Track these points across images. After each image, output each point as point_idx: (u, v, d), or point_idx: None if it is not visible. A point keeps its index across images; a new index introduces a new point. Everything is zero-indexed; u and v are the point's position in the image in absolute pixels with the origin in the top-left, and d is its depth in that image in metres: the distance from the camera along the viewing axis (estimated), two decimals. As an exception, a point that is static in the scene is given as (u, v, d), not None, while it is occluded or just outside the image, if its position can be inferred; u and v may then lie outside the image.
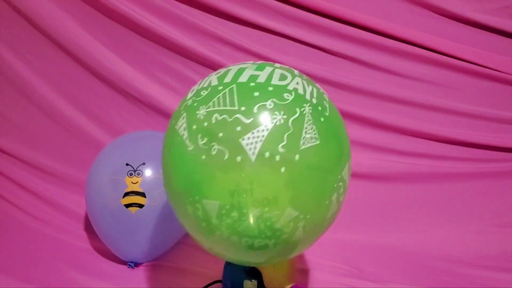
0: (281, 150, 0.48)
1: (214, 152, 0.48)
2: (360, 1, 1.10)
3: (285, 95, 0.51)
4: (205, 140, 0.50)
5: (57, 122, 1.15)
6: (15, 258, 0.89)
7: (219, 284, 0.77)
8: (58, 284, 0.80)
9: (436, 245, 0.96)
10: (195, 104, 0.54)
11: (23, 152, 1.17)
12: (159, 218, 0.84)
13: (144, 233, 0.83)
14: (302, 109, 0.51)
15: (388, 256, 0.95)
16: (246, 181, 0.48)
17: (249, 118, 0.49)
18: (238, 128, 0.48)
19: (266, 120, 0.49)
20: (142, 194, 0.81)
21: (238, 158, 0.47)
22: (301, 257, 0.89)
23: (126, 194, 0.81)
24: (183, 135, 0.53)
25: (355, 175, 1.12)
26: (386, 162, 1.12)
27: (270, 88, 0.52)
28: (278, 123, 0.49)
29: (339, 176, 0.54)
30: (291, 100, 0.51)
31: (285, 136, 0.48)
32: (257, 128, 0.48)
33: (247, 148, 0.47)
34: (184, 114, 0.54)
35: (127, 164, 0.82)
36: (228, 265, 0.71)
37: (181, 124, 0.54)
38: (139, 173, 0.82)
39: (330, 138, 0.53)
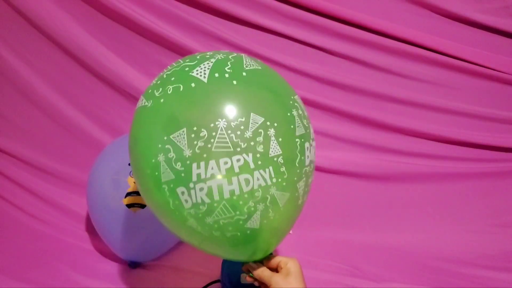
0: (228, 71, 0.53)
1: (170, 92, 0.53)
2: (360, 1, 1.10)
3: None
4: (160, 89, 0.54)
5: (57, 122, 1.15)
6: (15, 258, 0.89)
7: (219, 284, 0.77)
8: (59, 284, 0.80)
9: (436, 245, 0.96)
10: (148, 87, 0.59)
11: (23, 152, 1.17)
12: (160, 218, 0.84)
13: (145, 233, 0.84)
14: (239, 54, 0.59)
15: (388, 256, 0.95)
16: (205, 102, 0.51)
17: (194, 61, 0.55)
18: (186, 69, 0.54)
19: (209, 58, 0.55)
20: (144, 195, 0.81)
21: (192, 84, 0.52)
22: (301, 257, 0.89)
23: (128, 194, 0.81)
24: (142, 104, 0.56)
25: (355, 175, 1.13)
26: (386, 162, 1.12)
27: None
28: (219, 58, 0.55)
29: (293, 97, 0.58)
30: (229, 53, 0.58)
31: (229, 63, 0.54)
32: (202, 63, 0.54)
33: (198, 76, 0.53)
34: (141, 96, 0.59)
35: (129, 164, 0.82)
36: (226, 261, 0.71)
37: (139, 102, 0.58)
38: (141, 173, 0.82)
39: (268, 67, 0.60)
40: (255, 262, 0.60)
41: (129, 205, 0.81)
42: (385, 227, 1.06)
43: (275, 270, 0.59)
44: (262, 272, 0.58)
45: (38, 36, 1.09)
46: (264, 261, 0.60)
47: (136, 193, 0.81)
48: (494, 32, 1.12)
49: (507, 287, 0.82)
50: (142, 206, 0.81)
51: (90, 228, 1.00)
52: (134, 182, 0.81)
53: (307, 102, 1.07)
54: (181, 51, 1.10)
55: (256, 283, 0.61)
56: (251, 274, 0.60)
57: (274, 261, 0.59)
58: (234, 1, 1.07)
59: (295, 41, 1.12)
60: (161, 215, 0.57)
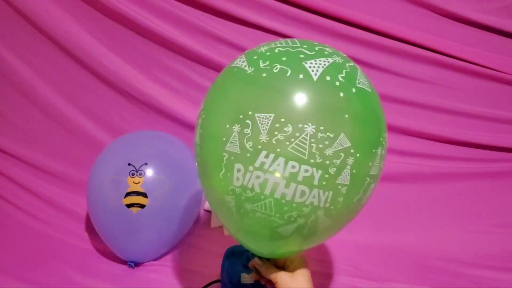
0: (340, 79, 0.49)
1: (276, 70, 0.49)
2: (360, 1, 1.10)
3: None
4: (267, 62, 0.50)
5: (57, 122, 1.15)
6: (15, 258, 0.89)
7: (219, 284, 0.77)
8: (58, 284, 0.80)
9: (436, 245, 0.96)
10: (252, 50, 0.55)
11: (23, 152, 1.17)
12: (160, 218, 0.84)
13: (145, 233, 0.84)
14: (355, 65, 0.55)
15: (388, 255, 0.95)
16: (305, 99, 0.48)
17: (311, 51, 0.51)
18: (301, 56, 0.50)
19: (327, 56, 0.51)
20: (144, 195, 0.81)
21: (301, 76, 0.48)
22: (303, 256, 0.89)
23: (128, 194, 0.81)
24: (241, 65, 0.52)
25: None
26: (386, 162, 1.11)
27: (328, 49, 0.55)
28: (337, 61, 0.51)
29: (384, 135, 0.55)
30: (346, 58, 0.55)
31: (344, 71, 0.50)
32: (319, 58, 0.50)
33: (309, 70, 0.48)
34: (242, 55, 0.54)
35: (129, 164, 0.82)
36: (226, 260, 0.71)
37: (238, 61, 0.54)
38: (141, 173, 0.82)
39: (376, 95, 0.56)
40: (261, 258, 0.59)
41: (129, 205, 0.80)
42: (385, 227, 1.06)
43: (281, 267, 0.58)
44: (268, 269, 0.57)
45: (38, 36, 1.10)
46: (271, 258, 0.59)
47: (136, 193, 0.81)
48: (494, 32, 1.12)
49: (507, 287, 0.82)
50: (142, 206, 0.81)
51: (90, 228, 1.00)
52: (134, 182, 0.81)
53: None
54: (181, 51, 1.10)
55: (262, 281, 0.60)
56: (257, 271, 0.59)
57: (281, 259, 0.58)
58: (234, 1, 1.08)
59: (295, 41, 1.12)
60: (206, 178, 0.55)
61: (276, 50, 0.52)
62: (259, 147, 0.47)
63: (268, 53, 0.52)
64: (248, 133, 0.47)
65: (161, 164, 0.85)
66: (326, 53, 0.52)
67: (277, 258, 0.58)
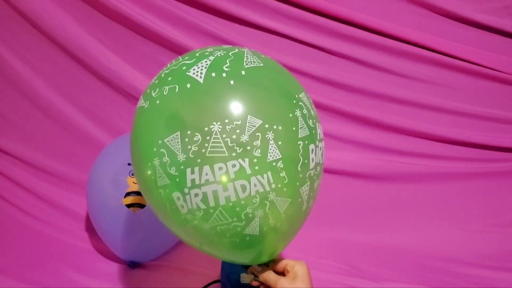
0: (225, 69, 0.50)
1: (166, 93, 0.50)
2: (360, 1, 1.10)
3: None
4: (157, 90, 0.52)
5: (57, 122, 1.15)
6: (15, 258, 0.89)
7: (219, 284, 0.77)
8: (59, 284, 0.80)
9: (436, 245, 0.96)
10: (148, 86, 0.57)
11: (23, 152, 1.17)
12: (160, 218, 0.84)
13: (145, 233, 0.84)
14: (241, 50, 0.55)
15: (388, 256, 0.95)
16: (199, 104, 0.49)
17: (192, 59, 0.52)
18: (184, 68, 0.51)
19: (208, 56, 0.52)
20: (144, 195, 0.81)
21: (188, 85, 0.49)
22: (301, 257, 0.89)
23: (128, 194, 0.81)
24: (141, 104, 0.55)
25: (355, 175, 1.13)
26: (386, 162, 1.12)
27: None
28: (219, 55, 0.52)
29: (299, 95, 0.55)
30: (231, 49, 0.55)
31: (228, 60, 0.51)
32: (200, 62, 0.51)
33: (194, 76, 0.50)
34: (141, 96, 0.57)
35: (129, 164, 0.82)
36: (225, 261, 0.71)
37: (139, 102, 0.56)
38: (141, 173, 0.82)
39: (272, 63, 0.56)
40: (260, 265, 0.59)
41: (129, 205, 0.81)
42: (385, 227, 1.06)
43: (282, 273, 0.58)
44: (268, 275, 0.57)
45: (38, 36, 1.09)
46: (270, 264, 0.59)
47: (136, 193, 0.81)
48: (494, 32, 1.11)
49: (507, 287, 0.82)
50: (142, 206, 0.81)
51: (90, 228, 1.00)
52: (134, 182, 0.81)
53: (307, 102, 1.07)
54: (181, 51, 1.10)
55: (261, 287, 0.60)
56: (256, 278, 0.58)
57: (281, 264, 0.58)
58: (234, 1, 1.07)
59: (295, 41, 1.12)
60: (160, 217, 0.56)
61: (163, 75, 0.54)
62: (182, 167, 0.47)
63: (157, 81, 0.54)
64: (167, 160, 0.48)
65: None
66: (207, 53, 0.53)
67: (276, 263, 0.58)
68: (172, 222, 0.53)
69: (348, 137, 1.13)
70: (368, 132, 1.13)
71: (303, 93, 0.57)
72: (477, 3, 1.09)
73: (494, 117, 1.15)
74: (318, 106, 1.12)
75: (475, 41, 1.12)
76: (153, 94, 0.52)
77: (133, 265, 0.86)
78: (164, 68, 0.56)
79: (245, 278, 0.66)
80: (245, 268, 0.66)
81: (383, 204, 1.11)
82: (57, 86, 1.13)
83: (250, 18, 1.08)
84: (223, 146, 0.47)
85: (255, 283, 0.60)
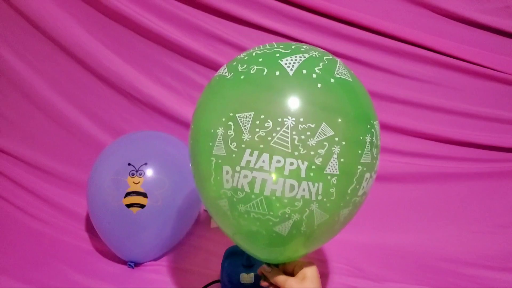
0: (317, 71, 0.50)
1: (253, 71, 0.51)
2: (360, 1, 1.10)
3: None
4: (245, 65, 0.52)
5: (57, 122, 1.15)
6: (15, 258, 0.89)
7: (219, 284, 0.77)
8: (58, 284, 0.80)
9: (436, 245, 0.96)
10: (234, 59, 0.57)
11: (23, 152, 1.17)
12: (160, 218, 0.84)
13: (145, 233, 0.84)
14: (334, 58, 0.56)
15: (388, 256, 0.95)
16: (281, 94, 0.49)
17: (287, 50, 0.53)
18: (277, 55, 0.52)
19: (303, 52, 0.52)
20: (144, 195, 0.81)
21: (277, 72, 0.49)
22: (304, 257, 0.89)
23: (128, 194, 0.81)
24: (222, 73, 0.55)
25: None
26: (386, 162, 1.12)
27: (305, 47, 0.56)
28: (314, 55, 0.52)
29: (373, 122, 0.54)
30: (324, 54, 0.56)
31: (321, 64, 0.51)
32: (295, 55, 0.51)
33: (285, 66, 0.50)
34: (224, 65, 0.57)
35: (129, 164, 0.82)
36: (226, 260, 0.71)
37: (220, 70, 0.57)
38: (141, 173, 0.82)
39: (359, 82, 0.57)
40: (269, 265, 0.59)
41: (129, 205, 0.81)
42: (385, 227, 1.06)
43: (291, 274, 0.57)
44: (276, 276, 0.56)
45: (39, 36, 1.10)
46: (280, 264, 0.58)
47: (136, 193, 0.81)
48: (494, 32, 1.12)
49: (507, 287, 0.82)
50: (142, 206, 0.81)
51: (90, 228, 1.00)
52: (134, 182, 0.81)
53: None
54: (181, 51, 1.10)
55: None
56: (264, 277, 0.59)
57: (290, 265, 0.58)
58: (234, 1, 1.08)
59: (295, 41, 1.12)
60: (200, 185, 0.56)
61: (254, 54, 0.54)
62: (243, 146, 0.48)
63: (246, 58, 0.54)
64: (231, 134, 0.49)
65: (161, 164, 0.85)
66: (303, 49, 0.53)
67: (286, 264, 0.58)
68: (210, 190, 0.53)
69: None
70: (368, 132, 1.13)
71: (377, 121, 0.56)
72: (477, 3, 1.09)
73: (494, 117, 1.15)
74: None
75: (475, 41, 1.12)
76: (239, 68, 0.52)
77: (133, 265, 0.86)
78: (256, 48, 0.56)
79: (245, 278, 0.66)
80: (246, 268, 0.66)
81: (384, 204, 1.11)
82: (58, 86, 1.14)
83: (250, 18, 1.09)
84: (289, 142, 0.47)
85: (264, 284, 0.59)
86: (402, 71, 1.13)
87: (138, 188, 0.81)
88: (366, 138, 0.51)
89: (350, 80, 0.53)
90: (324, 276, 0.84)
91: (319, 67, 0.50)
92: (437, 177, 1.12)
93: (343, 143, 0.48)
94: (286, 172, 0.47)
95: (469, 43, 1.12)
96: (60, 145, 1.15)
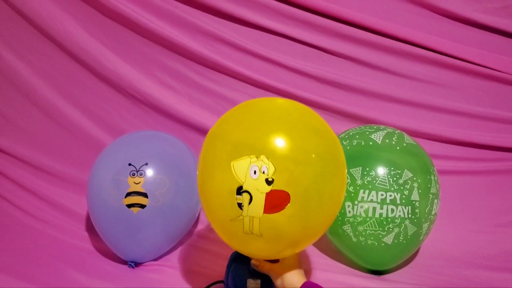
0: (394, 140, 0.81)
1: (354, 143, 0.82)
2: (360, 1, 1.10)
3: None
4: (348, 141, 0.83)
5: (57, 122, 1.15)
6: (16, 258, 0.89)
7: (221, 285, 0.77)
8: (59, 284, 0.80)
9: (436, 245, 0.96)
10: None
11: (23, 152, 1.17)
12: (161, 218, 0.84)
13: (146, 233, 0.83)
14: (401, 132, 0.86)
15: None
16: (376, 155, 0.80)
17: (371, 129, 0.85)
18: (367, 132, 0.83)
19: (383, 130, 0.84)
20: (144, 195, 0.81)
21: (370, 143, 0.81)
22: (302, 257, 0.89)
23: (128, 194, 0.80)
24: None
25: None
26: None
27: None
28: (389, 131, 0.84)
29: (433, 167, 0.83)
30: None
31: (396, 134, 0.83)
32: (379, 131, 0.83)
33: (374, 138, 0.81)
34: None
35: (129, 164, 0.82)
36: (231, 264, 0.71)
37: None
38: (142, 173, 0.82)
39: (421, 147, 0.85)
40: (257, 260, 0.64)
41: (129, 205, 0.80)
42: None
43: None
44: (264, 266, 0.64)
45: (39, 36, 1.10)
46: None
47: (137, 193, 0.81)
48: (494, 32, 1.12)
49: (507, 287, 0.82)
50: (143, 206, 0.81)
51: (90, 228, 1.00)
52: (135, 182, 0.81)
53: (307, 102, 1.07)
54: (181, 51, 1.10)
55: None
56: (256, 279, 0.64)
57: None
58: (234, 1, 1.08)
59: (295, 41, 1.12)
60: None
61: (351, 133, 0.85)
62: (358, 188, 0.77)
63: (346, 136, 0.85)
64: (349, 182, 0.78)
65: (161, 164, 0.85)
66: (381, 128, 0.84)
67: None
68: (337, 219, 0.79)
69: (348, 137, 1.14)
70: (368, 132, 1.13)
71: (433, 167, 0.84)
72: (477, 3, 1.09)
73: (494, 117, 1.15)
74: (318, 105, 1.12)
75: (475, 41, 1.12)
76: (344, 143, 0.82)
77: (133, 265, 0.86)
78: (352, 129, 0.88)
79: (251, 284, 0.65)
80: (252, 274, 0.66)
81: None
82: (57, 86, 1.13)
83: (250, 18, 1.09)
84: (387, 182, 0.76)
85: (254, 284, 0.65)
86: (402, 71, 1.13)
87: (138, 188, 0.81)
88: (431, 177, 0.80)
89: (415, 144, 0.84)
90: (325, 275, 0.84)
91: (395, 137, 0.81)
92: (437, 177, 1.13)
93: (419, 180, 0.77)
94: (388, 201, 0.76)
95: (468, 43, 1.12)
96: (60, 145, 1.15)
